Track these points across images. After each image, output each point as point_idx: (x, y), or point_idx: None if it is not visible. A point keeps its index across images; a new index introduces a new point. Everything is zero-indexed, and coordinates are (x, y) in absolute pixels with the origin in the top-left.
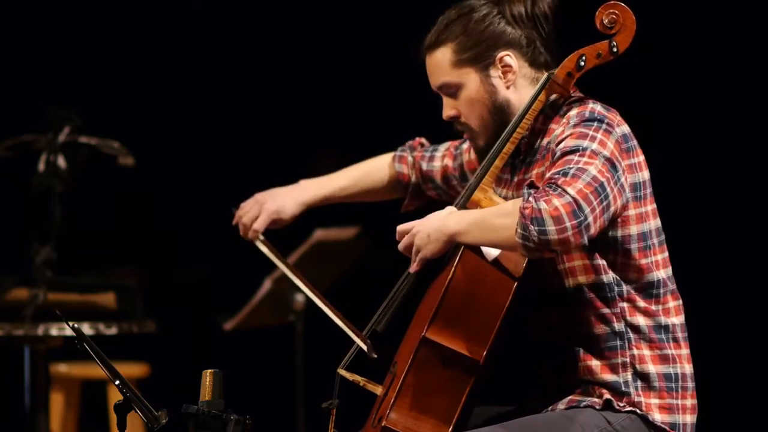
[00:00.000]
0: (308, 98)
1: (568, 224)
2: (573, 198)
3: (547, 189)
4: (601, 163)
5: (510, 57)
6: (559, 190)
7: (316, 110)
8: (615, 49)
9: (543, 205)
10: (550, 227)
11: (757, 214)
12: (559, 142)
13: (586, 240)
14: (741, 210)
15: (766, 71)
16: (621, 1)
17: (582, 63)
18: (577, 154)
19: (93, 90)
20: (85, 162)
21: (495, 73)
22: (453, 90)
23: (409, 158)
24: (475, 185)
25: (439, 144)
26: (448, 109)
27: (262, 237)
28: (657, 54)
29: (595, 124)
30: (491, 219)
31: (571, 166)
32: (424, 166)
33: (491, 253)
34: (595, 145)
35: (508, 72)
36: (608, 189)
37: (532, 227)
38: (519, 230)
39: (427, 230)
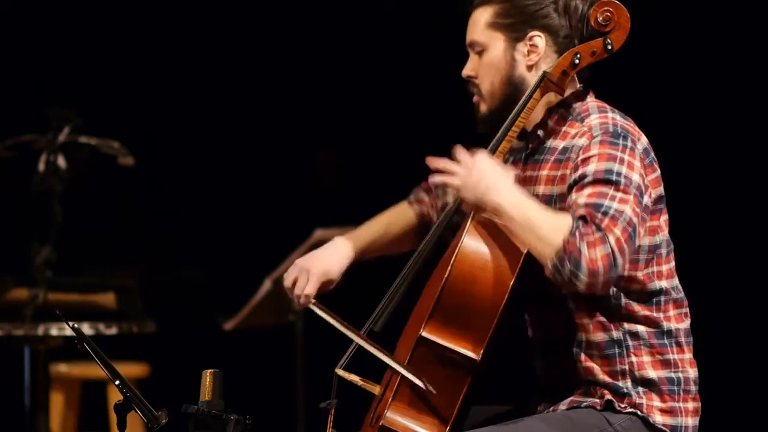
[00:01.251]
0: (308, 98)
1: (600, 279)
2: (612, 250)
3: (591, 229)
4: (633, 198)
5: (540, 38)
6: (601, 234)
7: (316, 110)
8: (609, 47)
9: (584, 249)
10: (583, 275)
11: (759, 217)
12: (585, 159)
13: (609, 289)
14: (744, 212)
15: (764, 70)
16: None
17: (576, 61)
18: (612, 187)
19: (93, 90)
20: (85, 162)
21: (521, 48)
22: (479, 49)
23: (426, 199)
24: None
25: None
26: (469, 67)
27: (314, 300)
28: (651, 52)
29: (621, 142)
30: (540, 225)
31: (607, 203)
32: (440, 204)
33: None
34: (624, 170)
35: (533, 52)
36: (639, 227)
37: (568, 265)
38: (555, 259)
39: (477, 178)
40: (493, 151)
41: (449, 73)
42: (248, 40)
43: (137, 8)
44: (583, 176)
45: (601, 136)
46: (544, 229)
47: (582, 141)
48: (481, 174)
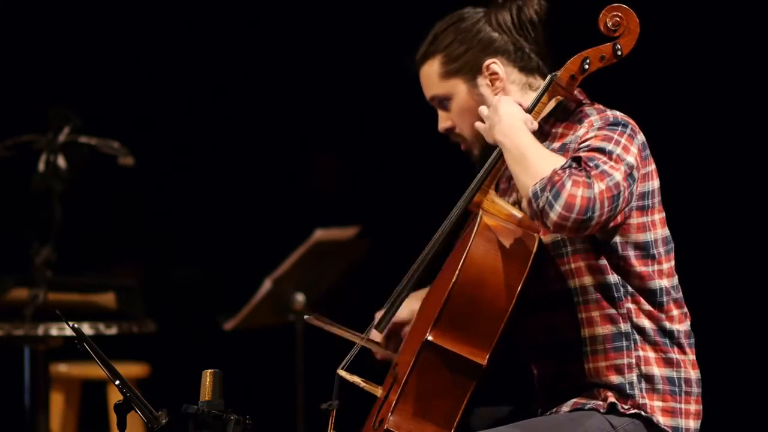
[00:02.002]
0: (307, 99)
1: (573, 216)
2: (594, 196)
3: (581, 172)
4: (623, 171)
5: (497, 64)
6: (590, 180)
7: (315, 111)
8: (619, 52)
9: (569, 184)
10: (559, 206)
11: (760, 218)
12: (583, 141)
13: (576, 236)
14: (745, 214)
15: (764, 70)
16: (625, 4)
17: (586, 66)
18: (605, 155)
19: (93, 90)
20: (85, 162)
21: (483, 82)
22: (444, 102)
23: None
24: (478, 186)
25: None
26: (443, 121)
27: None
28: (660, 57)
29: (620, 128)
30: (532, 157)
31: (600, 163)
32: None
33: None
34: (619, 150)
35: (495, 80)
36: (620, 199)
37: (547, 193)
38: (537, 185)
39: (492, 115)
40: (499, 157)
41: None
42: (248, 41)
43: (137, 8)
44: (577, 150)
45: (601, 124)
46: (536, 161)
47: (581, 131)
48: (493, 111)
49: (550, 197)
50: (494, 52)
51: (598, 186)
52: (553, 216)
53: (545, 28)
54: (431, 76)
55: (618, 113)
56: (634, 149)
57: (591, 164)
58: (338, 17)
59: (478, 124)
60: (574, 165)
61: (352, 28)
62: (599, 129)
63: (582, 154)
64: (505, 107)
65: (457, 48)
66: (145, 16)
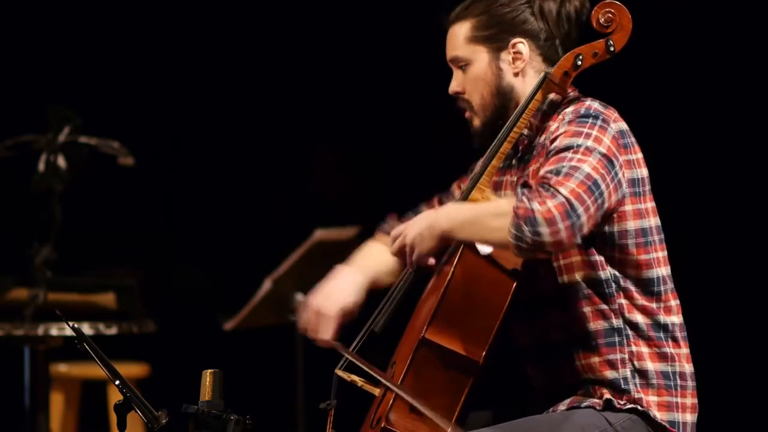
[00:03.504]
0: (307, 99)
1: (561, 226)
2: (566, 198)
3: (540, 189)
4: (596, 160)
5: (523, 45)
6: (552, 190)
7: (315, 111)
8: (611, 48)
9: (536, 206)
10: (543, 229)
11: (755, 214)
12: (554, 139)
13: (579, 239)
14: (740, 209)
15: (764, 70)
16: (617, 0)
17: (579, 62)
18: (571, 151)
19: (93, 90)
20: (85, 162)
21: (505, 57)
22: (462, 65)
23: (398, 224)
24: (473, 185)
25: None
26: (455, 84)
27: (338, 343)
28: (653, 53)
29: (590, 120)
30: (485, 218)
31: (564, 164)
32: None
33: (485, 249)
34: (589, 142)
35: (518, 59)
36: (602, 186)
37: (525, 228)
38: (513, 230)
39: (418, 229)
40: (493, 154)
41: (446, 74)
42: (247, 40)
43: (137, 8)
44: (548, 153)
45: (571, 117)
46: (491, 216)
47: (554, 125)
48: (416, 224)
49: (529, 228)
50: (525, 33)
51: (565, 188)
52: (547, 239)
53: (581, 26)
54: (458, 36)
55: (595, 104)
56: (606, 139)
57: (551, 176)
58: (338, 17)
59: (409, 243)
60: (525, 192)
61: (351, 28)
62: (569, 123)
63: (541, 173)
64: (418, 221)
65: (491, 18)
66: (145, 16)
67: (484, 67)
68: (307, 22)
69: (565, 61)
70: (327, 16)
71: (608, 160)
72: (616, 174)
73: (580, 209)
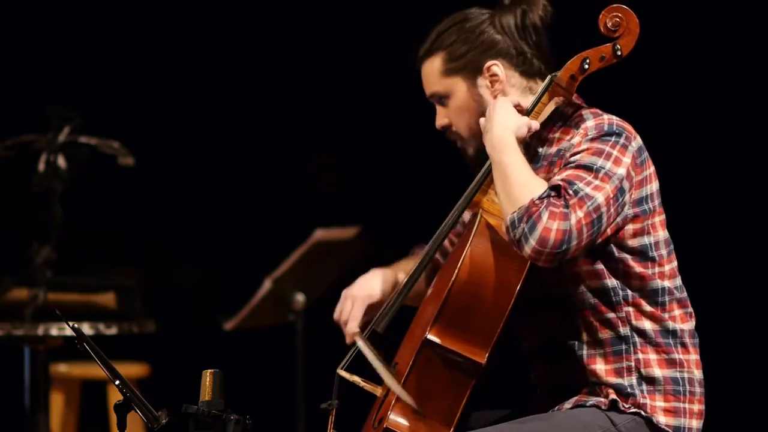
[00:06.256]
0: (307, 99)
1: (546, 250)
2: (570, 228)
3: (559, 202)
4: (611, 188)
5: (498, 66)
6: (567, 211)
7: (315, 111)
8: (619, 53)
9: (545, 216)
10: (533, 240)
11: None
12: (574, 153)
13: (551, 266)
14: (746, 214)
15: (764, 71)
16: (625, 5)
17: (585, 66)
18: (591, 174)
19: (93, 90)
20: (85, 162)
21: (482, 83)
22: (443, 99)
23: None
24: (477, 186)
25: None
26: (440, 118)
27: (357, 330)
28: (660, 58)
29: (613, 138)
30: (517, 180)
31: (582, 186)
32: None
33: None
34: (609, 165)
35: (495, 81)
36: (604, 219)
37: (524, 224)
38: (515, 215)
39: (487, 122)
40: None
41: None
42: (247, 41)
43: (137, 8)
44: (567, 163)
45: (594, 134)
46: (516, 185)
47: (576, 139)
48: (488, 119)
49: (525, 229)
50: (496, 54)
51: (576, 215)
52: (527, 249)
53: (549, 33)
54: (432, 73)
55: (614, 119)
56: (627, 159)
57: (570, 191)
58: (338, 18)
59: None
60: (552, 194)
61: (351, 28)
62: (592, 140)
63: (564, 176)
64: (500, 114)
65: (459, 47)
66: (145, 16)
67: (464, 96)
68: (307, 22)
69: (571, 65)
70: (327, 16)
71: (621, 188)
72: (623, 203)
73: (574, 242)
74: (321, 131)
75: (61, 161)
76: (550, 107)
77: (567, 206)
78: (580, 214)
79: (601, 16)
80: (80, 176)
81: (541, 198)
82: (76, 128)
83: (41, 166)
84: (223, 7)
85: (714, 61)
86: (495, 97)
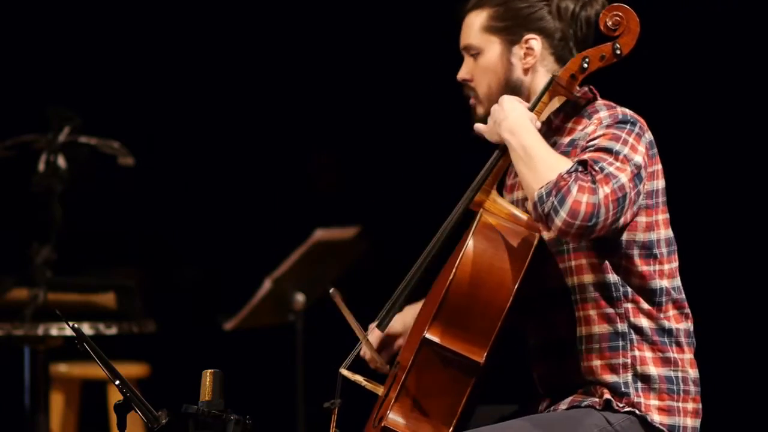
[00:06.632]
0: (307, 99)
1: (577, 222)
2: (598, 202)
3: (587, 177)
4: (630, 171)
5: (536, 41)
6: (594, 185)
7: (315, 111)
8: (618, 52)
9: (574, 189)
10: (564, 212)
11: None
12: (592, 140)
13: (580, 240)
14: (747, 214)
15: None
16: (625, 4)
17: (585, 65)
18: (612, 155)
19: (93, 90)
20: (85, 162)
21: (517, 52)
22: (474, 53)
23: None
24: (479, 186)
25: None
26: (464, 71)
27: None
28: (660, 57)
29: (628, 126)
30: (541, 159)
31: (605, 164)
32: None
33: None
34: (627, 150)
35: (529, 55)
36: (627, 201)
37: (553, 198)
38: (543, 189)
39: (498, 113)
40: (500, 156)
41: (446, 74)
42: (247, 41)
43: (137, 8)
44: (585, 148)
45: (609, 122)
46: (542, 162)
47: (590, 128)
48: (499, 110)
49: (555, 202)
50: (540, 31)
51: (603, 190)
52: (558, 222)
53: (596, 31)
54: (474, 25)
55: (627, 111)
56: (641, 148)
57: (596, 167)
58: (338, 18)
59: (478, 125)
60: (579, 169)
61: (351, 29)
62: (608, 127)
63: (588, 155)
64: (511, 104)
65: (508, 10)
66: (145, 16)
67: (495, 58)
68: (307, 22)
69: (572, 64)
70: (327, 17)
71: (638, 173)
72: (640, 191)
73: (602, 216)
74: (321, 131)
75: (61, 161)
76: (552, 106)
77: (594, 181)
78: (607, 189)
79: (601, 15)
80: (80, 176)
81: (569, 172)
82: (76, 128)
83: (41, 166)
84: (223, 7)
85: (714, 61)
86: (525, 70)
